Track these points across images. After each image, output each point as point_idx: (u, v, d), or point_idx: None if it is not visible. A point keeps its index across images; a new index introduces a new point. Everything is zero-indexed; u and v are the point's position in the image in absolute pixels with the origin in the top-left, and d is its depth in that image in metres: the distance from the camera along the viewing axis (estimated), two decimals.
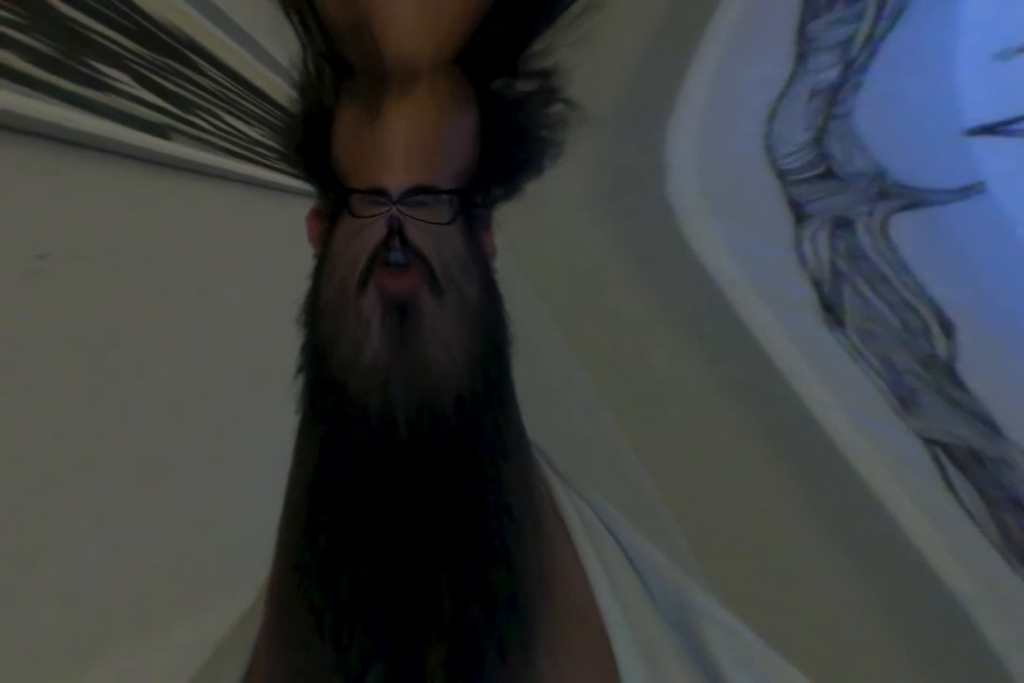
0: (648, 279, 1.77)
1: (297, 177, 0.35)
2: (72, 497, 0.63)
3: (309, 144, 0.33)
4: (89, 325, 0.71)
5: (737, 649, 0.27)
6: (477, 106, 0.30)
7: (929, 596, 1.33)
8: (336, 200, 0.31)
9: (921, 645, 1.27)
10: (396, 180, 0.28)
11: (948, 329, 1.61)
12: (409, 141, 0.28)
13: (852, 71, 1.65)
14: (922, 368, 1.60)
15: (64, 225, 0.72)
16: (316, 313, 0.29)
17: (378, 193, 0.28)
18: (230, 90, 0.86)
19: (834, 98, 1.69)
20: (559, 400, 1.65)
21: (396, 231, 0.27)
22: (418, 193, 0.28)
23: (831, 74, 1.69)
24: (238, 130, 0.86)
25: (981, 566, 1.37)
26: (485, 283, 0.30)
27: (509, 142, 0.33)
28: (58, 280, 0.69)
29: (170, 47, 0.79)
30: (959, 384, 1.56)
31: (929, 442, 1.56)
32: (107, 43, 0.74)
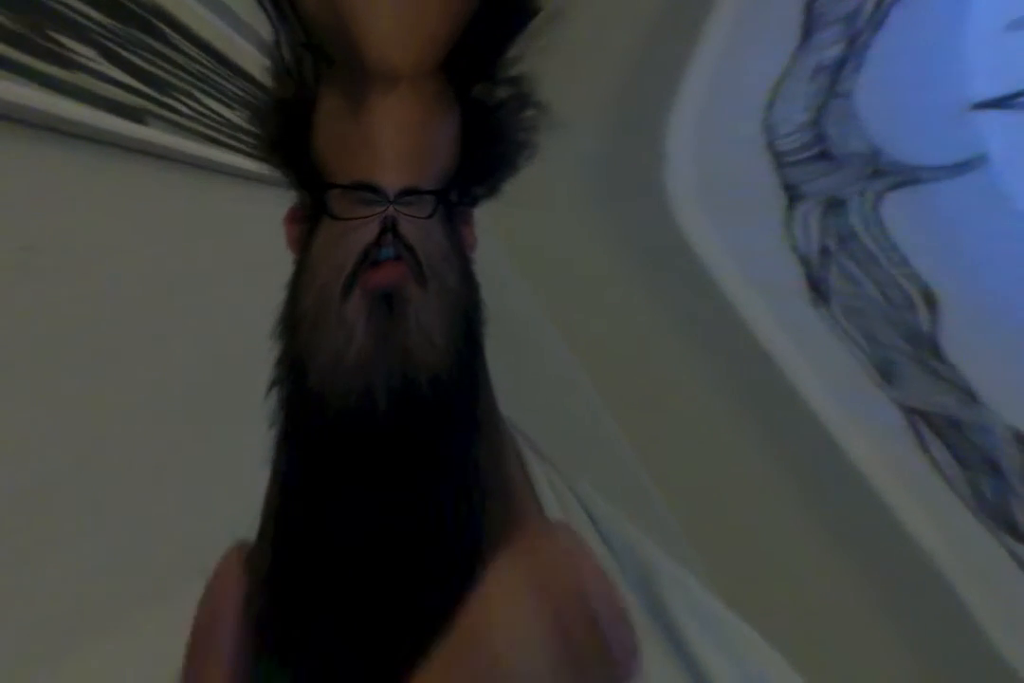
0: (643, 266, 1.77)
1: (274, 168, 0.34)
2: (61, 492, 0.62)
3: (287, 133, 0.32)
4: (77, 317, 0.69)
5: (690, 601, 0.29)
6: (458, 110, 0.31)
7: (905, 559, 1.40)
8: (317, 198, 0.30)
9: (899, 608, 1.33)
10: (390, 178, 0.28)
11: (932, 303, 1.65)
12: (399, 140, 0.28)
13: (856, 46, 1.63)
14: (905, 342, 1.65)
15: (44, 216, 0.68)
16: (294, 324, 0.28)
17: (370, 190, 0.28)
18: (212, 70, 0.80)
19: (837, 75, 1.67)
20: (551, 389, 1.66)
21: (389, 228, 0.27)
22: (410, 194, 0.28)
23: (835, 50, 1.67)
24: (221, 115, 0.81)
25: (956, 528, 1.44)
26: (464, 272, 0.31)
27: (488, 144, 0.34)
28: (44, 272, 0.66)
29: (143, 20, 0.73)
30: (940, 357, 1.61)
31: (909, 410, 1.61)
32: (71, 14, 0.67)
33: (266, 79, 0.32)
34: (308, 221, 0.31)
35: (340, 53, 0.27)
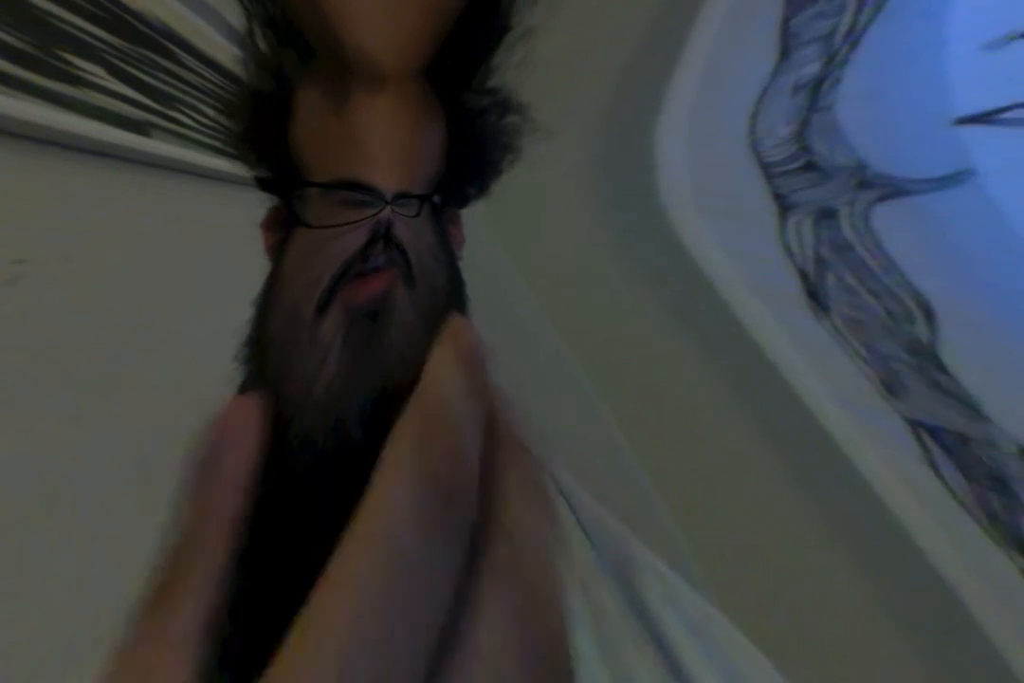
0: (641, 273, 1.78)
1: (249, 166, 0.33)
2: (58, 503, 0.61)
3: (263, 127, 0.31)
4: (71, 330, 0.69)
5: (664, 590, 0.29)
6: (443, 116, 0.31)
7: (915, 574, 1.37)
8: (291, 201, 0.28)
9: (909, 620, 1.30)
10: (385, 180, 0.27)
11: (930, 315, 1.65)
12: (390, 143, 0.28)
13: (834, 64, 1.69)
14: (906, 353, 1.64)
15: (41, 229, 0.69)
16: (261, 347, 0.26)
17: (363, 190, 0.27)
18: (213, 83, 0.82)
19: (816, 92, 1.72)
20: (550, 391, 1.65)
21: (382, 235, 0.25)
22: (403, 197, 0.27)
23: (813, 68, 1.72)
24: (223, 126, 0.83)
25: (965, 543, 1.41)
26: (451, 270, 0.30)
27: (473, 149, 0.33)
28: (37, 285, 0.66)
29: (147, 37, 0.75)
30: (942, 368, 1.60)
31: (915, 424, 1.59)
32: (79, 34, 0.70)
33: (241, 70, 0.31)
34: (286, 227, 0.29)
35: (324, 49, 0.27)
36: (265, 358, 0.25)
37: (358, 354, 0.24)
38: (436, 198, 0.31)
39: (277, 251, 0.29)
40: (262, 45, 0.29)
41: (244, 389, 0.26)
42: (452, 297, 0.28)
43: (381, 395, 0.23)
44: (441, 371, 0.21)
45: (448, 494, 0.20)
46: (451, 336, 0.22)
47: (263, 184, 0.31)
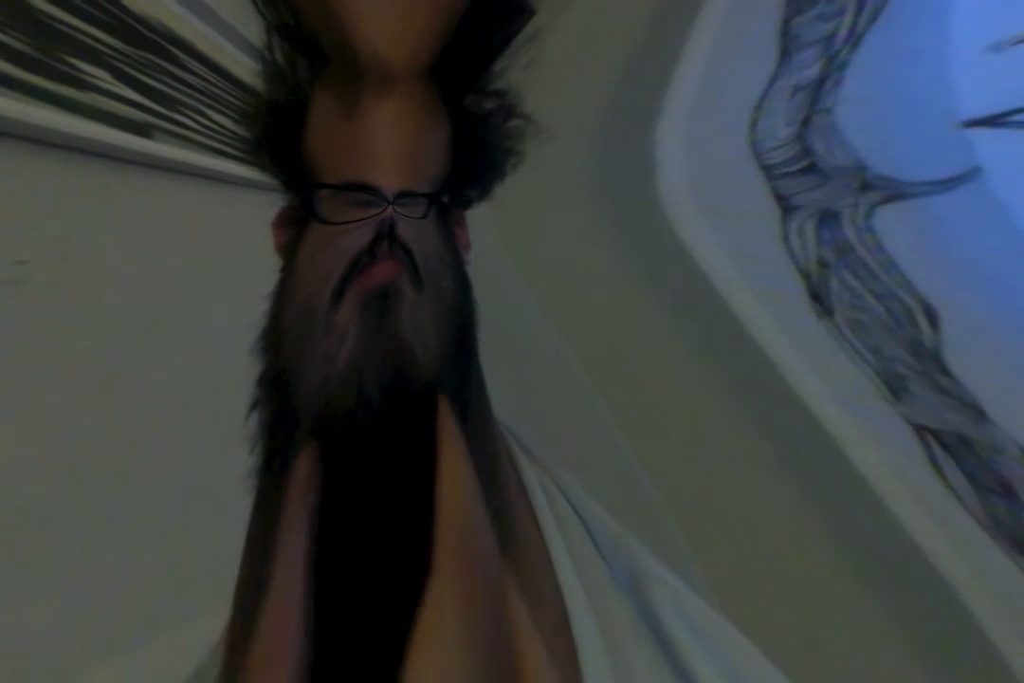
0: (641, 273, 1.78)
1: (262, 170, 0.34)
2: (61, 503, 0.62)
3: (278, 134, 0.32)
4: (71, 330, 0.69)
5: (677, 603, 0.29)
6: (448, 119, 0.31)
7: (920, 578, 1.36)
8: (307, 200, 0.30)
9: (913, 627, 1.29)
10: (387, 180, 0.28)
11: (933, 317, 1.64)
12: (395, 144, 0.28)
13: (834, 66, 1.68)
14: (910, 355, 1.63)
15: (43, 230, 0.69)
16: (277, 339, 0.27)
17: (369, 190, 0.28)
18: (216, 86, 0.83)
19: (817, 93, 1.72)
20: (551, 393, 1.65)
21: (386, 233, 0.26)
22: (407, 196, 0.28)
23: (813, 70, 1.72)
24: (226, 128, 0.84)
25: (970, 548, 1.40)
26: (458, 273, 0.30)
27: (477, 152, 0.34)
28: (39, 286, 0.67)
29: (151, 42, 0.76)
30: (946, 371, 1.60)
31: (919, 428, 1.59)
32: (85, 39, 0.71)
33: (258, 82, 0.32)
34: (297, 225, 0.31)
35: (333, 51, 0.27)
36: (280, 349, 0.26)
37: (371, 329, 0.25)
38: (444, 198, 0.32)
39: (290, 248, 0.30)
40: (279, 57, 0.30)
41: (261, 381, 0.27)
42: (460, 300, 0.29)
43: (396, 369, 0.24)
44: (461, 496, 0.23)
45: (490, 640, 0.21)
46: (451, 440, 0.24)
47: (286, 185, 0.33)
